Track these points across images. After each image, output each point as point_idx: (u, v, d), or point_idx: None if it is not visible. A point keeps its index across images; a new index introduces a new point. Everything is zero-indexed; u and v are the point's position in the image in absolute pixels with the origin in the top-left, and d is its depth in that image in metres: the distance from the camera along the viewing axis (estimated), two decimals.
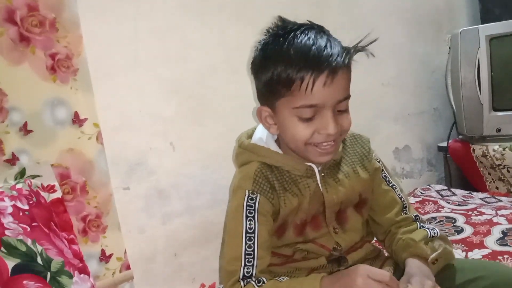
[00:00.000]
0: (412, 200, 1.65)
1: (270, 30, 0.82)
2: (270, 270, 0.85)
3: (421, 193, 1.72)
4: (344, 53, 0.76)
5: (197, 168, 1.28)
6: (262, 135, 0.88)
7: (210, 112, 1.30)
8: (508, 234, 1.26)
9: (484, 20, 1.97)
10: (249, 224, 0.80)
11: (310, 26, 0.79)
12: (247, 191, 0.82)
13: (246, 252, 0.79)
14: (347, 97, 0.80)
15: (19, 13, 0.95)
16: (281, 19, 0.82)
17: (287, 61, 0.74)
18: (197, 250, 1.28)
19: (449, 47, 1.79)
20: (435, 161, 1.99)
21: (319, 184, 0.86)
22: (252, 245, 0.80)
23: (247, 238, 0.80)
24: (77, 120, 1.03)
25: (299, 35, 0.76)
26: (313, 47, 0.74)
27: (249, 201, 0.82)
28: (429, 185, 1.79)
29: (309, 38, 0.75)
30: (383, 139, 1.78)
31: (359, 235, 0.91)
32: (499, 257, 1.13)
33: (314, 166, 0.85)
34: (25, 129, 0.96)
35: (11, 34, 0.94)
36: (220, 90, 1.32)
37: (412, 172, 1.91)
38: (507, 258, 1.12)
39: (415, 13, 1.90)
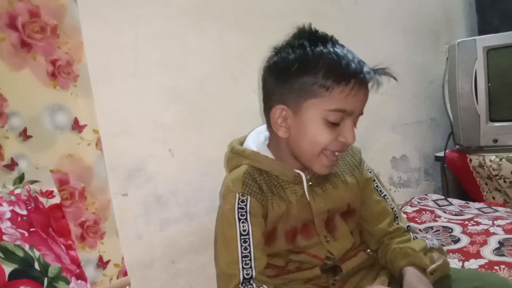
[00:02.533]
0: (408, 209, 1.66)
1: (301, 35, 0.84)
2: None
3: (418, 202, 1.73)
4: (372, 70, 0.82)
5: (195, 174, 1.29)
6: (253, 141, 0.89)
7: (209, 119, 1.31)
8: (504, 244, 1.26)
9: (481, 32, 1.99)
10: (243, 226, 0.81)
11: (337, 40, 0.84)
12: (237, 194, 0.83)
13: (243, 254, 0.79)
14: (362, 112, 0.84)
15: (21, 19, 0.95)
16: (310, 26, 0.84)
17: (331, 66, 0.77)
18: (195, 257, 1.28)
19: (447, 58, 1.81)
20: (432, 171, 2.00)
21: (306, 193, 0.86)
22: (248, 247, 0.80)
23: (242, 240, 0.80)
24: (76, 126, 1.03)
25: (336, 45, 0.81)
26: (352, 58, 0.79)
27: (240, 203, 0.82)
28: (426, 195, 1.80)
29: (343, 50, 0.81)
30: (380, 148, 1.79)
31: (350, 242, 0.91)
32: (495, 267, 1.13)
33: (302, 174, 0.86)
34: (24, 134, 0.97)
35: (12, 40, 0.94)
36: (219, 97, 1.33)
37: (409, 181, 1.92)
38: (504, 268, 1.12)
39: (413, 23, 1.91)
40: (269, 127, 0.88)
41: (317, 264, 0.87)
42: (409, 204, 1.72)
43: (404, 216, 1.07)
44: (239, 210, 0.82)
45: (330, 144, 0.80)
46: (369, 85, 0.81)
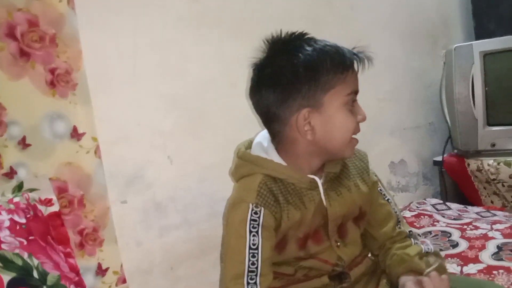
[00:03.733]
0: (407, 214, 1.66)
1: (271, 44, 0.85)
2: None
3: (417, 207, 1.73)
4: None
5: (194, 181, 1.29)
6: (262, 148, 0.87)
7: (207, 125, 1.32)
8: (503, 248, 1.26)
9: (478, 36, 2.00)
10: (253, 239, 0.78)
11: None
12: (250, 205, 0.79)
13: (250, 269, 0.77)
14: None
15: (20, 29, 0.96)
16: (281, 32, 0.85)
17: (332, 55, 0.81)
18: (194, 264, 1.28)
19: (444, 62, 1.82)
20: (430, 175, 2.01)
21: (322, 197, 0.85)
22: (255, 261, 0.77)
23: (251, 254, 0.77)
24: (75, 134, 1.04)
25: (316, 40, 0.84)
26: (336, 46, 0.84)
27: (253, 215, 0.79)
28: (425, 199, 1.80)
29: (324, 42, 0.85)
30: (379, 153, 1.79)
31: (358, 249, 0.91)
32: (494, 272, 1.14)
33: (317, 178, 0.85)
34: (23, 143, 0.97)
35: (11, 49, 0.95)
36: (218, 103, 1.33)
37: (407, 186, 1.92)
38: (502, 273, 1.12)
39: (410, 28, 1.92)
40: (277, 136, 0.85)
41: (327, 269, 0.86)
42: (407, 208, 1.73)
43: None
44: (252, 222, 0.78)
45: (356, 127, 0.84)
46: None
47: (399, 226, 0.94)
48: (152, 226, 1.21)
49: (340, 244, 0.88)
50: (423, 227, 1.55)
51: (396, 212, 0.94)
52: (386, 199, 0.94)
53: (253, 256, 0.77)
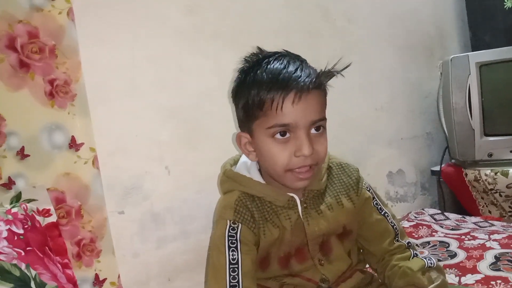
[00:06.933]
0: (406, 224, 1.66)
1: (248, 59, 0.85)
2: None
3: (415, 217, 1.73)
4: (314, 76, 0.79)
5: (191, 192, 1.29)
6: (245, 165, 0.89)
7: (205, 136, 1.32)
8: (500, 259, 1.26)
9: (474, 47, 2.02)
10: (232, 254, 0.79)
11: (286, 54, 0.83)
12: (228, 221, 0.81)
13: (231, 284, 0.77)
14: (322, 119, 0.81)
15: (20, 40, 0.97)
16: (259, 48, 0.85)
17: (260, 84, 0.78)
18: (191, 275, 1.27)
19: (441, 73, 1.84)
20: (428, 185, 2.01)
21: (301, 216, 0.85)
22: (236, 276, 0.78)
23: (231, 269, 0.78)
24: (73, 145, 1.04)
25: (272, 61, 0.80)
26: (284, 70, 0.78)
27: (231, 231, 0.81)
28: (423, 209, 1.80)
29: (281, 63, 0.79)
30: (377, 163, 1.79)
31: (345, 264, 0.90)
32: (492, 282, 1.13)
33: (296, 197, 0.85)
34: (22, 154, 0.98)
35: (11, 61, 0.96)
36: (215, 115, 1.34)
37: (405, 196, 1.93)
38: (500, 284, 1.12)
39: (407, 39, 1.95)
40: None
41: (312, 287, 0.86)
42: (406, 218, 1.73)
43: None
44: (229, 238, 0.80)
45: (290, 163, 0.78)
46: (314, 90, 0.78)
47: (397, 239, 0.93)
48: (149, 237, 1.21)
49: (324, 262, 0.87)
50: (421, 237, 1.55)
51: (394, 226, 0.93)
52: (382, 213, 0.93)
53: (233, 271, 0.78)
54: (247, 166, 0.88)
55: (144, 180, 1.21)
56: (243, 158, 0.90)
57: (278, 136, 0.78)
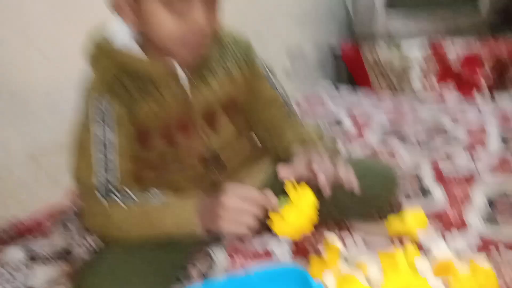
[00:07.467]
0: (301, 100, 1.69)
1: None
2: (142, 183, 0.79)
3: (311, 93, 1.77)
4: None
5: None
6: (123, 34, 0.76)
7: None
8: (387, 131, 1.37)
9: None
10: (104, 132, 0.74)
11: None
12: (99, 97, 0.74)
13: (103, 160, 0.74)
14: None
15: None
16: None
17: None
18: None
19: None
20: (326, 61, 2.02)
21: (185, 88, 0.79)
22: (108, 153, 0.74)
23: (103, 145, 0.74)
24: None
25: None
26: None
27: (103, 107, 0.74)
28: (319, 84, 1.84)
29: None
30: (275, 38, 1.73)
31: (233, 136, 0.87)
32: (378, 152, 1.23)
33: (178, 67, 0.77)
34: None
35: None
36: None
37: (303, 71, 1.93)
38: (385, 153, 1.21)
39: None
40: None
41: (197, 156, 0.84)
42: (302, 96, 1.75)
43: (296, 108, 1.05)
44: (101, 115, 0.74)
45: (185, 36, 0.70)
46: None
47: (287, 111, 0.91)
48: None
49: (211, 134, 0.84)
50: (317, 114, 1.61)
51: (285, 100, 0.90)
52: (273, 87, 0.90)
53: (106, 148, 0.74)
54: (123, 37, 0.75)
55: None
56: (117, 26, 0.76)
57: (173, 3, 0.66)
